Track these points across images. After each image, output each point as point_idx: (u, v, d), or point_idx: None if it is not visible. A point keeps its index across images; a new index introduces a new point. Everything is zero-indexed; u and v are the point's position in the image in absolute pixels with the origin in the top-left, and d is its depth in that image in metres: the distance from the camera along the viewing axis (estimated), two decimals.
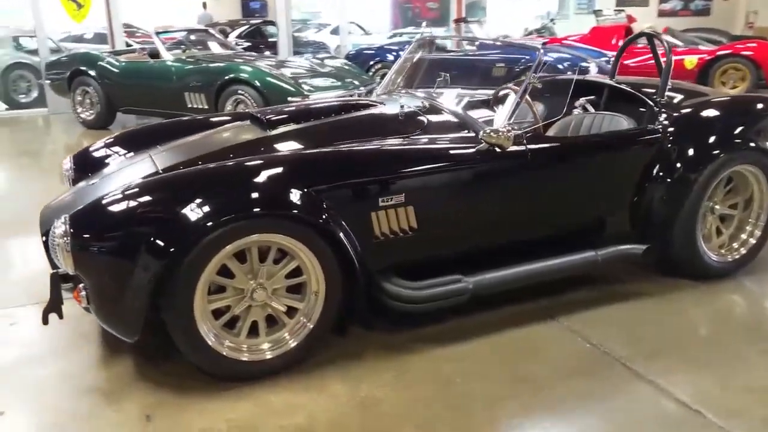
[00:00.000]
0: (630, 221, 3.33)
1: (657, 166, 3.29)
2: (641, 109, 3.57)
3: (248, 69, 7.10)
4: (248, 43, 12.06)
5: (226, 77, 7.12)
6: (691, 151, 3.30)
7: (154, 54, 7.92)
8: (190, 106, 7.42)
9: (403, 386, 2.56)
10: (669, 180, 3.27)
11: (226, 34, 12.28)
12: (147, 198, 2.48)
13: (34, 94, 9.97)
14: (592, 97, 4.01)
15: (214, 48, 8.74)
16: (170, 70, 7.60)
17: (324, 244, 2.54)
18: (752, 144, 3.40)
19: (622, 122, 3.57)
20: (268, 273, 2.54)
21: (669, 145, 3.30)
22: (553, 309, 3.16)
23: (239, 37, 12.14)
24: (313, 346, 2.68)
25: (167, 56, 7.77)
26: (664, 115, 3.41)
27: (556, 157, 3.12)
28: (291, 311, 2.64)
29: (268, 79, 6.92)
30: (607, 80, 3.96)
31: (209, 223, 2.33)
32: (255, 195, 2.49)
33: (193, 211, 2.36)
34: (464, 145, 2.91)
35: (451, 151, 2.92)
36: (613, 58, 4.34)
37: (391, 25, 23.80)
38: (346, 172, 2.69)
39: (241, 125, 3.35)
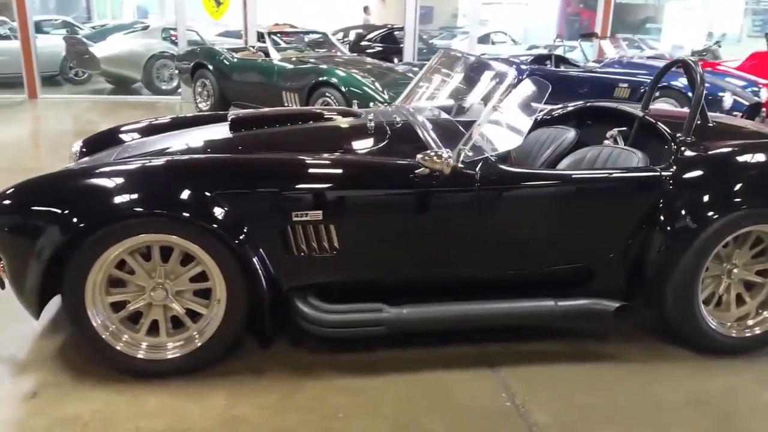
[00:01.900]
0: (614, 273, 2.91)
1: (654, 214, 2.84)
2: (666, 147, 3.12)
3: (338, 73, 7.20)
4: (379, 47, 12.23)
5: (317, 79, 7.28)
6: (695, 202, 2.81)
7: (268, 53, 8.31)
8: (285, 105, 7.70)
9: (281, 411, 2.45)
10: (665, 231, 2.81)
11: (361, 38, 12.61)
12: (54, 184, 2.60)
13: (175, 82, 10.89)
14: (624, 128, 3.58)
15: (331, 51, 9.01)
16: (273, 69, 7.93)
17: (225, 251, 2.50)
18: None
19: (634, 159, 3.14)
20: (173, 274, 2.56)
21: (672, 192, 2.83)
22: (498, 357, 2.85)
23: (371, 41, 12.36)
24: (217, 354, 2.65)
25: (275, 56, 8.12)
26: (677, 157, 2.95)
27: (517, 191, 2.80)
28: (198, 316, 2.64)
29: (353, 83, 6.98)
30: (637, 111, 3.50)
31: (97, 218, 2.39)
32: (151, 194, 2.50)
33: (87, 204, 2.45)
34: (402, 167, 2.70)
35: (384, 172, 2.73)
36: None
37: (557, 38, 23.09)
38: (254, 181, 2.61)
39: (213, 127, 3.38)
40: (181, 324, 2.65)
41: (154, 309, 2.60)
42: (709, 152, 2.95)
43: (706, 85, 7.72)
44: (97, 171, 2.68)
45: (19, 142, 7.48)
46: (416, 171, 2.66)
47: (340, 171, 2.71)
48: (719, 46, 13.27)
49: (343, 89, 7.01)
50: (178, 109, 9.88)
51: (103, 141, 3.61)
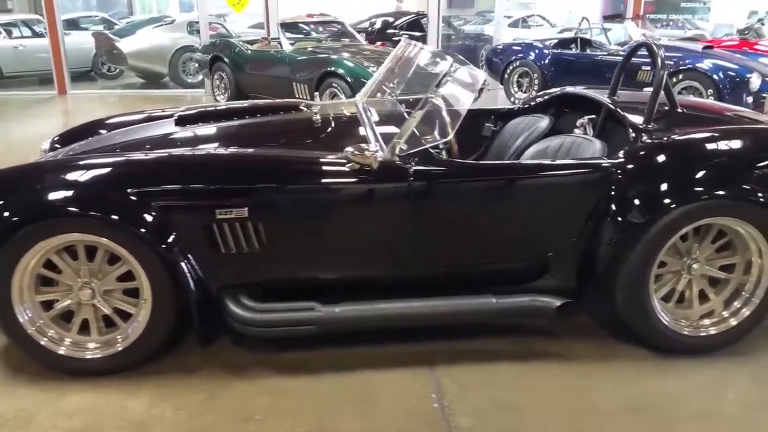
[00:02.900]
0: (564, 269, 2.77)
1: (604, 206, 2.68)
2: (626, 135, 2.94)
3: (345, 64, 7.13)
4: (406, 35, 12.07)
5: (325, 70, 7.23)
6: (645, 193, 2.64)
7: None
8: (296, 96, 7.68)
9: (200, 412, 2.43)
10: (615, 224, 2.65)
11: (387, 26, 12.48)
12: None
13: (201, 75, 11.00)
14: (594, 116, 3.40)
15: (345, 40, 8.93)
16: (284, 60, 7.92)
17: (151, 253, 2.48)
18: (741, 192, 2.63)
19: (592, 149, 2.98)
20: (101, 273, 2.56)
21: (622, 182, 2.66)
22: (439, 356, 2.76)
23: (396, 28, 12.22)
24: (145, 355, 2.64)
25: (286, 47, 8.11)
26: (632, 146, 2.77)
27: (453, 184, 2.68)
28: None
29: (360, 74, 6.90)
30: (604, 98, 3.31)
31: (16, 218, 2.41)
32: (70, 194, 2.49)
33: (17, 201, 2.47)
34: (332, 162, 2.63)
35: (313, 167, 2.65)
36: None
37: (601, 19, 22.35)
38: (177, 178, 2.58)
39: (161, 123, 3.36)
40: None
41: (84, 308, 2.60)
42: (665, 141, 2.76)
43: (734, 66, 7.50)
44: (33, 168, 2.70)
45: (41, 137, 7.70)
46: (346, 166, 2.58)
47: (265, 166, 2.64)
48: (762, 24, 12.54)
49: (349, 80, 6.95)
50: (203, 102, 10.00)
51: (79, 136, 3.62)
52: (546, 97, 3.83)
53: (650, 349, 2.79)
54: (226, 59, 8.73)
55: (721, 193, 2.61)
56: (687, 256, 2.75)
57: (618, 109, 3.07)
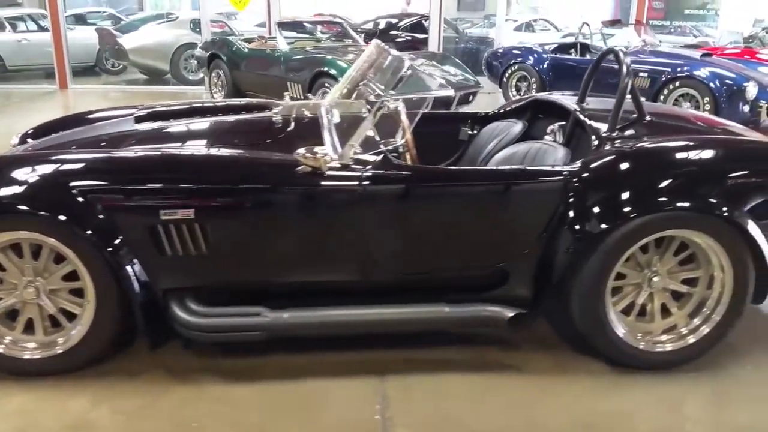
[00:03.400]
0: (521, 278, 2.70)
1: (561, 216, 2.61)
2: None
3: (338, 64, 7.09)
4: (408, 37, 12.02)
5: (318, 69, 7.19)
6: (601, 203, 2.57)
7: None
8: (290, 95, 7.63)
9: (138, 417, 2.39)
10: (570, 234, 2.58)
11: (391, 27, 12.44)
12: None
13: (201, 73, 10.99)
14: (564, 123, 3.33)
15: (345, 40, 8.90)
16: (279, 59, 7.89)
17: (94, 251, 2.45)
18: (702, 205, 2.55)
19: (555, 156, 2.91)
20: (46, 272, 2.53)
21: (580, 191, 2.60)
22: (392, 365, 2.71)
23: (399, 29, 12.17)
24: (92, 355, 2.61)
25: (282, 46, 8.08)
26: (592, 155, 2.71)
27: (407, 189, 2.62)
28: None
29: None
30: (572, 105, 3.24)
31: None
32: (19, 191, 2.45)
33: None
34: (282, 164, 2.58)
35: (262, 168, 2.60)
36: None
37: (583, 24, 22.12)
38: (123, 178, 2.53)
39: (121, 120, 3.32)
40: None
41: (29, 307, 2.57)
42: (624, 149, 2.69)
43: (732, 74, 7.39)
44: None
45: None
46: (297, 168, 2.53)
47: (211, 167, 2.59)
48: (767, 33, 12.42)
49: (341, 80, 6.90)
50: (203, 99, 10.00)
51: (52, 130, 3.57)
52: (521, 103, 3.77)
53: (609, 363, 2.72)
54: (223, 57, 8.72)
55: (681, 204, 2.53)
56: (647, 269, 2.67)
57: (583, 117, 3.00)
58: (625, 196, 2.55)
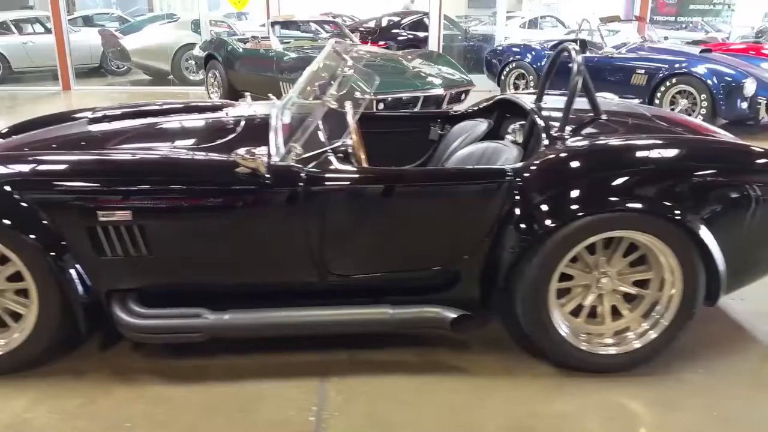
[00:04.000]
0: (468, 280, 2.67)
1: (505, 216, 2.58)
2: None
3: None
4: (409, 35, 11.99)
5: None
6: (543, 204, 2.53)
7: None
8: (283, 95, 7.65)
9: (74, 417, 2.40)
10: (513, 235, 2.55)
11: (393, 25, 12.41)
12: None
13: (201, 73, 11.06)
14: (524, 122, 3.29)
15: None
16: (272, 59, 7.90)
17: (36, 254, 2.45)
18: (650, 206, 2.49)
19: (505, 155, 2.88)
20: None
21: (524, 192, 2.56)
22: (337, 366, 2.70)
23: (400, 27, 12.13)
24: (35, 356, 2.61)
25: (276, 46, 8.09)
26: (538, 155, 2.67)
27: (349, 190, 2.60)
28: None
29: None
30: (529, 104, 3.19)
31: None
32: None
33: None
34: (221, 165, 2.57)
35: (200, 170, 2.60)
36: None
37: (582, 21, 21.78)
38: (62, 180, 2.54)
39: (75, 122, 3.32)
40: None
41: None
42: (570, 149, 2.65)
43: (730, 71, 7.25)
44: None
45: None
46: (236, 169, 2.51)
47: (148, 168, 2.58)
48: None
49: None
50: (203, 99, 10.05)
51: (25, 130, 3.56)
52: (489, 102, 3.73)
53: (556, 366, 2.68)
54: (219, 57, 8.75)
55: (627, 205, 2.48)
56: (595, 270, 2.62)
57: (537, 116, 2.95)
58: (567, 196, 2.51)
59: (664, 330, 2.61)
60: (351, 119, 2.83)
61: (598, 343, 2.64)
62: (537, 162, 2.61)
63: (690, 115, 7.45)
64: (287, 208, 2.56)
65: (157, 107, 3.31)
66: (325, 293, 2.71)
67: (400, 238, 2.65)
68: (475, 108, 3.77)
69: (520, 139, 3.22)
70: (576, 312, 2.68)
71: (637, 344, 2.63)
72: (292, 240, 2.58)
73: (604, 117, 2.94)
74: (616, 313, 2.71)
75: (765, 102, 7.18)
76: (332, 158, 2.62)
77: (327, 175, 2.55)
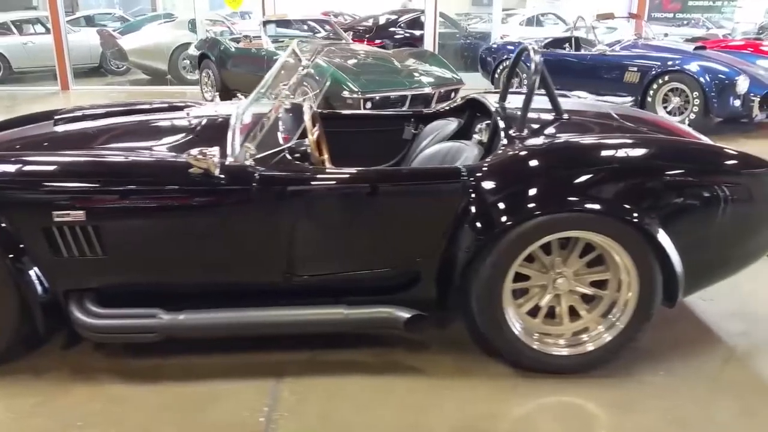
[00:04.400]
0: (426, 280, 2.67)
1: (461, 216, 2.56)
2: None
3: (315, 63, 7.06)
4: (406, 33, 11.97)
5: None
6: (495, 204, 2.52)
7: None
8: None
9: (29, 416, 2.42)
10: (468, 235, 2.54)
11: (390, 23, 12.40)
12: None
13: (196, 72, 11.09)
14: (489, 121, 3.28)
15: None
16: (263, 58, 7.91)
17: None
18: (605, 207, 2.47)
19: (466, 155, 2.87)
20: None
21: (479, 191, 2.54)
22: (295, 366, 2.70)
23: (397, 26, 12.12)
24: None
25: (267, 45, 8.10)
26: (495, 155, 2.67)
27: (303, 190, 2.60)
28: None
29: (326, 72, 6.82)
30: (492, 104, 3.18)
31: None
32: None
33: None
34: (174, 165, 2.58)
35: (153, 170, 2.60)
36: None
37: (578, 18, 21.62)
38: (16, 180, 2.55)
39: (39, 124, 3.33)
40: None
41: None
42: (525, 149, 2.63)
43: (723, 68, 7.18)
44: None
45: None
46: (190, 170, 2.52)
47: (101, 168, 2.59)
48: None
49: (317, 78, 6.89)
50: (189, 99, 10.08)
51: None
52: (461, 101, 3.72)
53: (513, 366, 2.67)
54: (212, 57, 8.77)
55: (580, 206, 2.47)
56: (552, 270, 2.61)
57: (498, 116, 2.94)
58: (520, 195, 2.51)
59: (619, 333, 2.60)
60: (308, 119, 2.83)
61: (551, 344, 2.63)
62: (491, 161, 2.60)
63: (683, 113, 7.42)
64: (241, 208, 2.56)
65: (122, 108, 3.32)
66: (284, 293, 2.71)
67: (357, 239, 2.65)
68: (447, 107, 3.76)
69: (485, 139, 3.21)
70: (536, 312, 2.67)
71: (590, 346, 2.62)
72: (248, 240, 2.58)
73: (566, 116, 2.93)
74: (575, 314, 2.70)
75: (758, 99, 7.12)
76: (289, 158, 2.63)
77: (281, 175, 2.56)
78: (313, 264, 2.66)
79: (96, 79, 12.30)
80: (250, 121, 2.95)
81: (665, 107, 7.58)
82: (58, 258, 2.54)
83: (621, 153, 2.66)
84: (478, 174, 2.55)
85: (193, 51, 9.53)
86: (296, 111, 3.03)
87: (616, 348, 2.62)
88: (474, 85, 8.23)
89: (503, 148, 2.70)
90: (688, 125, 7.16)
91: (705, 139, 3.12)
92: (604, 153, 2.67)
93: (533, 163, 2.60)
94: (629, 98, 7.84)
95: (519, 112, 2.90)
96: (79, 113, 3.25)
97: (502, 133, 2.77)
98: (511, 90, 3.31)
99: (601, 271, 2.64)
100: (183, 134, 2.90)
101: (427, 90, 6.81)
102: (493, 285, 2.52)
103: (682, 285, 2.56)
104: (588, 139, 2.76)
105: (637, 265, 2.52)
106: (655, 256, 2.51)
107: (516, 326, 2.59)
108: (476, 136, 3.25)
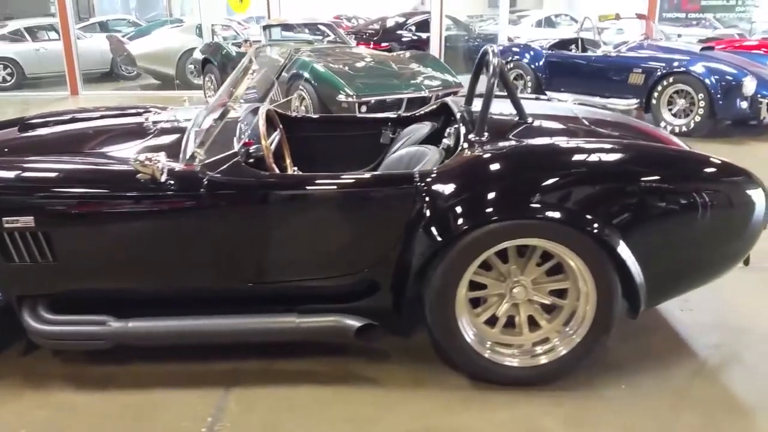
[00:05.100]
0: (381, 288, 2.60)
1: (414, 223, 2.49)
2: None
3: (312, 68, 7.06)
4: (413, 36, 11.90)
5: (294, 72, 7.18)
6: (449, 210, 2.44)
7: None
8: (271, 97, 7.66)
9: None
10: (421, 242, 2.47)
11: (399, 26, 12.35)
12: None
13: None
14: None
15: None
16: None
17: None
18: (562, 216, 2.39)
19: (427, 159, 2.81)
20: None
21: (433, 197, 2.47)
22: (245, 376, 2.66)
23: (405, 28, 12.06)
24: None
25: (267, 49, 8.08)
26: (451, 160, 2.60)
27: (252, 196, 2.56)
28: None
29: (325, 78, 6.81)
30: (458, 108, 3.10)
31: None
32: None
33: None
34: (121, 171, 2.55)
35: (99, 176, 2.58)
36: None
37: (585, 18, 21.27)
38: None
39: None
40: None
41: None
42: (479, 155, 2.55)
43: (730, 69, 6.99)
44: None
45: None
46: (138, 175, 2.49)
47: (50, 175, 2.57)
48: None
49: (314, 83, 6.89)
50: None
51: None
52: (435, 105, 3.66)
53: (470, 377, 2.59)
54: (214, 61, 8.80)
55: (536, 214, 2.38)
56: (509, 279, 2.53)
57: (461, 121, 2.87)
58: (472, 201, 2.43)
59: (575, 346, 2.51)
60: (261, 124, 2.79)
61: (505, 354, 2.54)
62: (444, 166, 2.54)
63: (688, 115, 7.24)
64: (190, 214, 2.53)
65: (87, 114, 3.32)
66: (240, 301, 2.67)
67: (310, 246, 2.59)
68: (423, 111, 3.70)
69: (453, 143, 3.14)
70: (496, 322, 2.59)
71: (543, 359, 2.53)
72: (198, 247, 2.55)
73: (530, 120, 2.85)
74: (536, 324, 2.61)
75: (767, 101, 6.92)
76: (241, 163, 2.58)
77: (228, 181, 2.51)
78: (266, 271, 2.62)
79: (106, 84, 12.44)
80: (207, 126, 2.91)
81: (670, 109, 7.42)
82: (10, 264, 2.53)
83: (580, 158, 2.57)
84: (430, 179, 2.48)
85: (197, 55, 9.57)
86: (237, 117, 2.99)
87: (571, 362, 2.53)
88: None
89: (459, 152, 2.63)
90: (693, 128, 7.11)
91: (682, 145, 3.01)
92: (562, 158, 2.58)
93: (486, 167, 2.53)
94: (634, 100, 7.69)
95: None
96: (45, 119, 3.24)
97: (462, 138, 2.70)
98: (478, 93, 3.22)
99: (560, 280, 2.55)
100: (139, 139, 2.87)
101: (424, 93, 6.74)
102: (445, 292, 2.45)
103: (644, 297, 2.47)
104: (547, 144, 2.68)
105: (594, 276, 2.43)
106: (614, 268, 2.42)
107: (469, 335, 2.51)
108: (446, 140, 3.19)
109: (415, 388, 2.58)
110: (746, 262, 2.79)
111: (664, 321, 3.10)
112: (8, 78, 12.16)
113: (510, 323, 2.61)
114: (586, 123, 3.02)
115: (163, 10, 19.99)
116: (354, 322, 2.50)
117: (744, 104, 6.97)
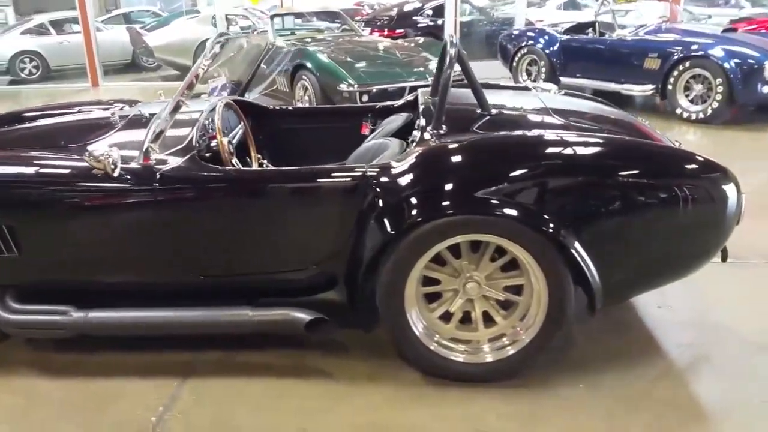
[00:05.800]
0: (332, 281, 2.60)
1: (366, 216, 2.47)
2: None
3: (314, 57, 7.06)
4: (429, 22, 11.78)
5: (298, 62, 7.19)
6: (397, 204, 2.41)
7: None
8: (276, 87, 7.71)
9: None
10: (369, 237, 2.45)
11: (416, 11, 12.24)
12: None
13: None
14: None
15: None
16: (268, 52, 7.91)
17: None
18: (514, 212, 2.33)
19: (387, 151, 2.78)
20: None
21: (382, 191, 2.44)
22: (204, 366, 2.69)
23: (421, 14, 11.94)
24: None
25: (273, 38, 8.10)
26: (405, 152, 2.57)
27: (206, 192, 2.57)
28: None
29: (326, 68, 6.80)
30: (422, 99, 3.06)
31: None
32: None
33: None
34: (77, 165, 2.58)
35: (56, 171, 2.62)
36: None
37: (602, 3, 20.71)
38: None
39: None
40: None
41: None
42: (433, 148, 2.51)
43: (753, 53, 6.70)
44: None
45: None
46: (92, 170, 2.52)
47: (9, 169, 2.63)
48: None
49: (317, 73, 6.88)
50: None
51: None
52: (412, 97, 3.61)
53: (424, 373, 2.57)
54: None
55: (483, 209, 2.33)
56: (462, 275, 2.49)
57: (422, 113, 2.83)
58: (422, 195, 2.39)
59: (524, 345, 2.47)
60: (218, 119, 2.80)
61: (452, 349, 2.51)
62: (396, 159, 2.50)
63: (705, 101, 7.00)
64: (144, 208, 2.56)
65: (57, 109, 3.38)
66: (201, 294, 2.70)
67: (263, 239, 2.60)
68: (401, 102, 3.66)
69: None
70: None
71: (489, 357, 2.49)
72: (153, 240, 2.58)
73: (494, 112, 2.79)
74: (491, 320, 2.57)
75: None
76: (195, 158, 2.59)
77: (180, 175, 2.53)
78: (221, 265, 2.64)
79: (127, 76, 12.63)
80: (161, 121, 2.92)
81: (687, 95, 7.18)
82: None
83: (538, 152, 2.50)
84: (382, 172, 2.45)
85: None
86: (232, 109, 3.00)
87: (519, 360, 2.49)
88: (490, 73, 7.98)
89: (415, 145, 2.59)
90: (711, 114, 6.86)
91: (664, 139, 2.91)
92: (518, 152, 2.51)
93: (438, 161, 2.48)
94: (650, 86, 7.47)
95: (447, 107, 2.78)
96: (18, 114, 3.31)
97: (420, 131, 2.66)
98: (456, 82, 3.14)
99: (515, 276, 2.50)
100: (102, 134, 2.90)
101: (426, 82, 6.65)
102: (395, 285, 2.42)
103: (600, 298, 2.40)
104: (502, 137, 2.62)
105: (546, 274, 2.37)
106: (567, 267, 2.36)
107: (418, 328, 2.49)
108: (416, 132, 3.14)
109: (368, 382, 2.57)
110: (724, 259, 2.70)
111: (639, 318, 3.02)
112: (34, 71, 12.45)
113: (467, 319, 2.58)
114: (555, 115, 2.93)
115: (188, 0, 20.11)
116: (304, 316, 2.50)
117: (766, 89, 6.68)
